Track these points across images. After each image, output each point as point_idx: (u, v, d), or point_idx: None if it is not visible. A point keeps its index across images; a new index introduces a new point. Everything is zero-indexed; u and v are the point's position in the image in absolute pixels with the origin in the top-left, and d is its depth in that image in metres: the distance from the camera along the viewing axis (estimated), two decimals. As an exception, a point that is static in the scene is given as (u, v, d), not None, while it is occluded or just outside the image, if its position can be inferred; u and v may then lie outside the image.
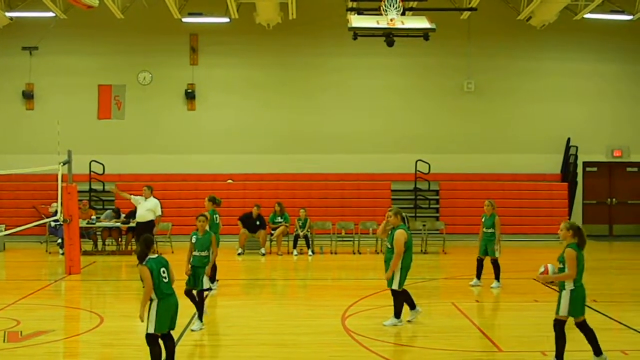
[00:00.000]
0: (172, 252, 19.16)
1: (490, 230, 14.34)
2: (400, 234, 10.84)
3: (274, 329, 11.04)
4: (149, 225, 17.73)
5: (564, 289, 8.51)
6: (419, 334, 10.74)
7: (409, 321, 11.13)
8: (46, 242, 20.28)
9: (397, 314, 11.06)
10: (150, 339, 8.21)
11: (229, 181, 23.22)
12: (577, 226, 8.67)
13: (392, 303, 11.10)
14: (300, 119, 24.05)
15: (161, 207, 17.99)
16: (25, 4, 22.13)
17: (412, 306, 11.22)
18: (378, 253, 19.79)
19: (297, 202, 21.01)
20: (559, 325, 8.54)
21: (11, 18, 22.00)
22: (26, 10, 22.13)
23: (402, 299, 11.06)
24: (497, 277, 14.34)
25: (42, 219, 20.20)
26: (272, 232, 19.97)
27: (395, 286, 10.95)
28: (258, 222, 19.97)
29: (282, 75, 24.19)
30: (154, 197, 18.01)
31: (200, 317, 10.93)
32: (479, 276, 14.48)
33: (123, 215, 20.07)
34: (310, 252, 19.64)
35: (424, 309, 11.45)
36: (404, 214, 11.20)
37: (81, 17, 21.58)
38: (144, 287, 8.14)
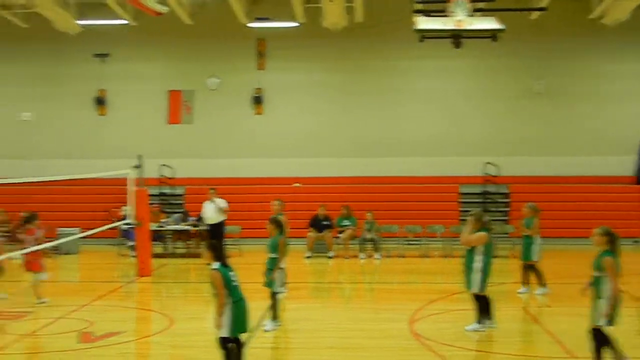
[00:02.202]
0: (240, 255, 19.36)
1: (526, 233, 13.93)
2: (481, 234, 10.60)
3: (341, 332, 11.02)
4: (220, 225, 18.08)
5: (602, 297, 8.18)
6: (489, 339, 10.57)
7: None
8: (118, 245, 20.69)
9: (480, 319, 10.87)
10: (224, 343, 8.25)
11: (296, 185, 23.30)
12: (612, 231, 8.32)
13: (461, 307, 10.96)
14: (366, 122, 23.98)
15: (226, 203, 18.59)
16: (96, 12, 22.66)
17: (489, 317, 10.99)
18: (446, 257, 19.58)
19: (363, 206, 20.86)
20: (603, 334, 8.25)
21: (83, 26, 22.54)
22: (97, 18, 22.68)
23: (483, 302, 10.85)
24: (542, 283, 13.92)
25: (114, 222, 20.57)
26: (339, 235, 19.98)
27: (475, 289, 10.74)
28: (325, 222, 20.06)
29: (348, 79, 24.15)
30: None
31: (273, 317, 11.06)
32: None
33: (192, 219, 20.34)
34: (377, 256, 19.56)
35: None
36: (485, 218, 10.92)
37: (151, 23, 21.97)
38: (214, 292, 8.12)
